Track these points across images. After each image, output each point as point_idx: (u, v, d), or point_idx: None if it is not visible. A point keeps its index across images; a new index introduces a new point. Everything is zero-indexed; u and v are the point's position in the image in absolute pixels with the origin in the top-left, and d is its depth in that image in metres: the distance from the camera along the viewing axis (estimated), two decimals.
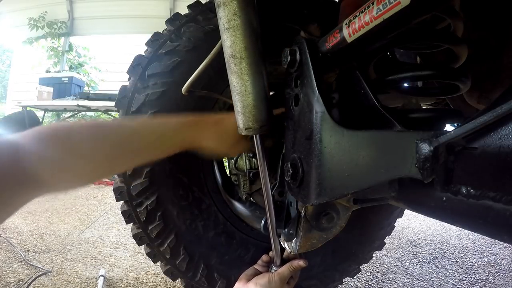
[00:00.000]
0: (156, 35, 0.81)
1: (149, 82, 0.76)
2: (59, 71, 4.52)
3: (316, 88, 0.48)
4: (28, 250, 1.40)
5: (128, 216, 0.80)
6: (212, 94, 0.76)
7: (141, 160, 0.57)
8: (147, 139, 0.54)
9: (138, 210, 0.78)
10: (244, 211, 0.93)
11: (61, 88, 3.99)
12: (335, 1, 0.85)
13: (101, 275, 1.17)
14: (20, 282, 1.11)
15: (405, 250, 1.68)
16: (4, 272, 1.17)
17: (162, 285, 1.18)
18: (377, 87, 0.52)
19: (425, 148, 0.31)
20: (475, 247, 1.77)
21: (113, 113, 3.90)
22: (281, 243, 0.70)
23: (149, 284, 1.18)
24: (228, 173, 0.97)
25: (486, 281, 1.37)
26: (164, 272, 0.85)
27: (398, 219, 1.04)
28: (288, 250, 0.68)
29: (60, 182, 0.44)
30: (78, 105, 3.60)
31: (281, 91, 0.63)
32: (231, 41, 0.51)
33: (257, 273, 0.73)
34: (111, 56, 5.52)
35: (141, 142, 0.54)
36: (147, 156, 0.57)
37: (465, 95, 0.77)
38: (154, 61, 0.77)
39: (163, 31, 0.82)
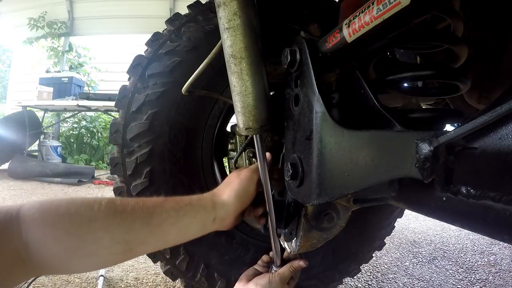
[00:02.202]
0: (156, 35, 0.81)
1: (149, 82, 0.76)
2: (59, 71, 4.52)
3: (316, 88, 0.48)
4: None
5: None
6: (212, 94, 0.76)
7: (169, 243, 0.51)
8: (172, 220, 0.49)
9: None
10: None
11: (61, 88, 4.00)
12: (335, 1, 0.85)
13: (101, 275, 1.17)
14: None
15: (405, 250, 1.68)
16: None
17: (162, 285, 1.17)
18: (377, 87, 0.52)
19: (425, 148, 0.31)
20: (475, 247, 1.77)
21: (113, 113, 3.91)
22: (281, 243, 0.70)
23: (149, 284, 1.18)
24: (228, 173, 0.97)
25: (486, 281, 1.36)
26: (164, 272, 0.85)
27: (398, 219, 1.04)
28: (288, 250, 0.68)
29: (66, 266, 0.40)
30: (78, 105, 3.61)
31: (281, 91, 0.63)
32: (231, 41, 0.51)
33: (257, 274, 0.73)
34: (111, 56, 5.52)
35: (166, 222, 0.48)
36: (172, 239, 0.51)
37: (465, 95, 0.77)
38: (154, 61, 0.77)
39: (163, 31, 0.82)
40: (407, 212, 1.30)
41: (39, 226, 0.37)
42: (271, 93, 0.60)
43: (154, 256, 0.84)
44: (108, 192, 2.76)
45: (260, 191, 0.63)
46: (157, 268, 1.28)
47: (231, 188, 0.59)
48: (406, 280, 1.33)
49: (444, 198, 0.35)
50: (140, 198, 0.50)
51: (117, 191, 0.79)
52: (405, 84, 0.59)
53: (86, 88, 4.54)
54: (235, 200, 0.58)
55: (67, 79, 4.09)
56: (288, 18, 0.82)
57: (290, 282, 0.72)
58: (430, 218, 1.08)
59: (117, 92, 0.79)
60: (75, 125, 4.97)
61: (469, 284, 1.33)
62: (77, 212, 0.40)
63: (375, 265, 1.47)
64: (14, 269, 0.35)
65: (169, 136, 0.77)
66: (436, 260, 1.56)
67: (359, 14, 0.43)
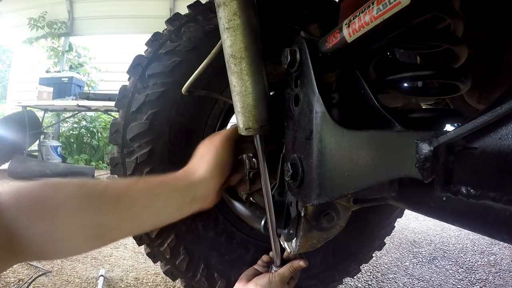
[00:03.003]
0: (156, 35, 0.81)
1: (149, 82, 0.76)
2: (59, 71, 4.53)
3: (316, 88, 0.48)
4: None
5: None
6: (212, 94, 0.76)
7: (144, 227, 0.48)
8: (151, 203, 0.46)
9: None
10: (244, 211, 0.93)
11: (61, 88, 4.00)
12: (335, 1, 0.85)
13: (101, 275, 1.17)
14: (20, 282, 1.11)
15: (405, 250, 1.68)
16: (4, 272, 1.17)
17: (162, 285, 1.18)
18: (377, 87, 0.52)
19: (425, 148, 0.31)
20: (475, 247, 1.77)
21: (113, 113, 3.91)
22: (281, 243, 0.70)
23: (149, 284, 1.18)
24: None
25: (486, 281, 1.36)
26: (164, 272, 0.85)
27: (398, 219, 1.04)
28: (288, 250, 0.68)
29: (43, 252, 0.38)
30: (78, 105, 3.61)
31: (281, 91, 0.63)
32: (231, 41, 0.51)
33: (257, 274, 0.73)
34: (111, 56, 5.52)
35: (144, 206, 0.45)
36: (151, 222, 0.48)
37: (465, 95, 0.77)
38: (154, 61, 0.77)
39: (163, 31, 0.82)
40: (407, 212, 1.30)
41: (17, 211, 0.36)
42: (271, 93, 0.60)
43: (154, 256, 0.84)
44: None
45: (239, 158, 0.57)
46: (157, 268, 1.28)
47: (207, 161, 0.53)
48: (406, 280, 1.33)
49: (444, 198, 0.35)
50: (114, 179, 0.47)
51: None
52: (405, 84, 0.59)
53: (86, 88, 4.54)
54: (214, 175, 0.53)
55: (67, 79, 4.09)
56: (288, 18, 0.82)
57: (290, 282, 0.72)
58: (430, 218, 1.08)
59: (117, 92, 0.79)
60: (75, 125, 4.97)
61: (469, 284, 1.33)
62: (48, 195, 0.38)
63: (375, 265, 1.47)
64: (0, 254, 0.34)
65: (169, 136, 0.77)
66: (436, 260, 1.56)
67: (359, 14, 0.43)
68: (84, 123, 4.92)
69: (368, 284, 1.28)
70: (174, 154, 0.78)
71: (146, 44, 0.81)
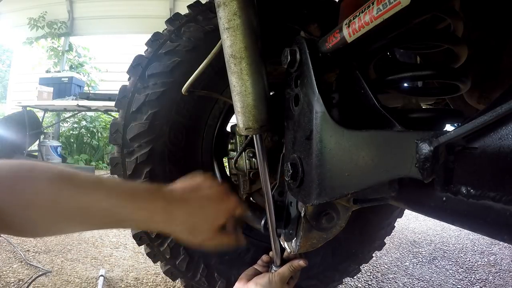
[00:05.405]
0: (156, 35, 0.81)
1: (149, 82, 0.76)
2: (59, 71, 4.52)
3: (316, 88, 0.48)
4: (28, 250, 1.40)
5: None
6: (212, 94, 0.76)
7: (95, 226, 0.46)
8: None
9: None
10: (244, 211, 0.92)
11: (61, 88, 4.00)
12: (335, 1, 0.85)
13: (101, 275, 1.17)
14: (20, 282, 1.11)
15: (405, 250, 1.68)
16: (4, 272, 1.17)
17: (162, 285, 1.17)
18: (377, 87, 0.52)
19: (425, 148, 0.31)
20: (475, 247, 1.77)
21: (113, 113, 3.91)
22: (281, 243, 0.70)
23: (149, 284, 1.18)
24: (228, 173, 0.97)
25: (486, 281, 1.36)
26: (164, 272, 0.85)
27: (398, 219, 1.04)
28: (288, 250, 0.68)
29: (21, 230, 0.39)
30: (78, 105, 3.60)
31: (281, 91, 0.63)
32: (231, 41, 0.51)
33: (257, 273, 0.73)
34: (111, 56, 5.52)
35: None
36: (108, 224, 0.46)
37: (465, 95, 0.77)
38: (154, 61, 0.77)
39: (163, 31, 0.82)
40: (407, 212, 1.30)
41: None
42: (271, 93, 0.60)
43: (154, 256, 0.84)
44: None
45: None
46: (157, 268, 1.28)
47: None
48: (406, 280, 1.33)
49: (444, 198, 0.35)
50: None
51: None
52: (405, 84, 0.59)
53: (86, 88, 4.54)
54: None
55: (67, 79, 4.09)
56: (288, 18, 0.82)
57: (290, 282, 0.72)
58: (430, 218, 1.08)
59: (117, 92, 0.79)
60: (75, 125, 4.97)
61: (469, 284, 1.33)
62: (26, 177, 0.39)
63: (375, 265, 1.47)
64: None
65: (169, 136, 0.77)
66: (436, 260, 1.56)
67: (359, 14, 0.43)
68: (84, 123, 4.91)
69: (368, 284, 1.28)
70: (174, 154, 0.79)
71: (146, 44, 0.81)
